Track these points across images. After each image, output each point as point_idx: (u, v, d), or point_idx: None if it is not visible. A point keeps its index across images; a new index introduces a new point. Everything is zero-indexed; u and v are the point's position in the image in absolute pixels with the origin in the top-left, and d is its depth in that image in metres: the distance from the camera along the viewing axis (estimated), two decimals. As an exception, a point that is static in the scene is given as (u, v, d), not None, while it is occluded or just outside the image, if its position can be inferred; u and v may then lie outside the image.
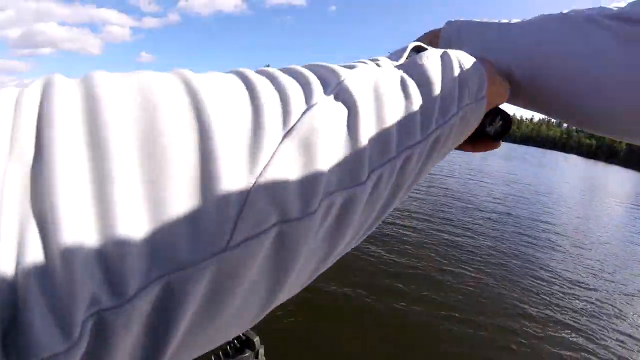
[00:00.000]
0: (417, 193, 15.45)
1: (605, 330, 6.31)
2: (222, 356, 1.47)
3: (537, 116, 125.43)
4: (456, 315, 5.81)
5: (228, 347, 1.48)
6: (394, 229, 9.82)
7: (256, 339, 1.46)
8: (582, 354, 5.25)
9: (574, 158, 68.96)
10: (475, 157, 35.36)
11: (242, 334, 1.46)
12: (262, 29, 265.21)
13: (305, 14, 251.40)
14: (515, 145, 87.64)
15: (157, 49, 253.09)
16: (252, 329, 1.53)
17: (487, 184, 20.25)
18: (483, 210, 13.73)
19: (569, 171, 41.71)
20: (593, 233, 13.25)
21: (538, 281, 8.07)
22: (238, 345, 1.47)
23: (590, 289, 7.59)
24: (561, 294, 7.22)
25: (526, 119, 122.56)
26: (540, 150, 78.98)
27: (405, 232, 9.76)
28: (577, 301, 6.98)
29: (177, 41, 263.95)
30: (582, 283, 8.17)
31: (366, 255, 7.95)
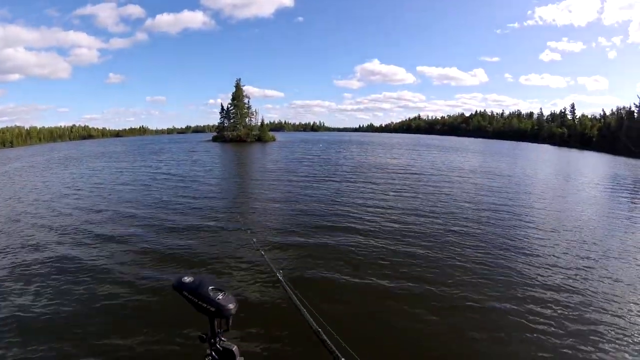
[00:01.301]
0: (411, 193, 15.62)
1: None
2: (201, 369, 1.42)
3: (507, 110, 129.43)
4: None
5: (206, 359, 1.43)
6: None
7: (234, 348, 1.41)
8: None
9: (546, 147, 71.37)
10: (456, 158, 36.39)
11: (220, 345, 1.42)
12: (230, 43, 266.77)
13: (272, 26, 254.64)
14: (491, 141, 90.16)
15: (126, 70, 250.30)
16: (230, 340, 1.48)
17: (471, 179, 21.00)
18: (473, 203, 14.19)
19: (545, 158, 43.73)
20: (575, 209, 13.96)
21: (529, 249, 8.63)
22: (217, 357, 1.42)
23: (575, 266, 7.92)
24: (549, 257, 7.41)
25: (497, 114, 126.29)
26: (514, 143, 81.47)
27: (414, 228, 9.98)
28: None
29: (147, 60, 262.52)
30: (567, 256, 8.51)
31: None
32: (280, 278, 2.85)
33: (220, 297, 1.35)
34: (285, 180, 20.36)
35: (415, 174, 23.39)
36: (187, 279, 1.39)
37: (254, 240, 5.39)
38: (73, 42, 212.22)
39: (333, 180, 20.31)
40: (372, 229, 10.50)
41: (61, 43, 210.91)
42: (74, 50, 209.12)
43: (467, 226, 10.86)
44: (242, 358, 1.53)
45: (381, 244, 9.21)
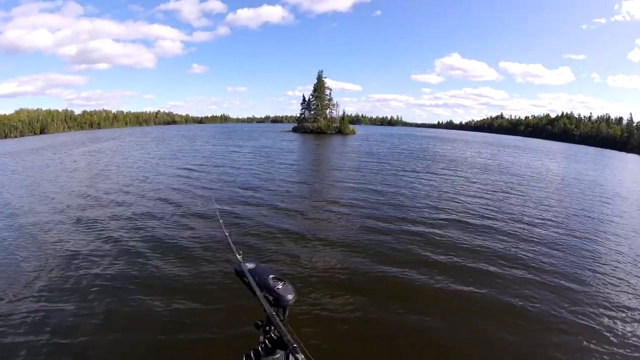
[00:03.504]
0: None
1: None
2: (252, 355, 1.44)
3: (596, 113, 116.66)
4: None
5: (259, 346, 1.44)
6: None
7: (287, 338, 1.41)
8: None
9: (634, 157, 63.58)
10: (538, 160, 33.76)
11: (274, 334, 1.42)
12: (309, 37, 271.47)
13: (350, 20, 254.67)
14: (575, 146, 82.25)
15: (209, 61, 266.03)
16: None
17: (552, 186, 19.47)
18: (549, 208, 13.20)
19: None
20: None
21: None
22: (270, 345, 1.43)
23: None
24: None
25: (584, 117, 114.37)
26: (599, 149, 73.68)
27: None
28: None
29: (228, 53, 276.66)
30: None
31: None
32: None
33: (280, 286, 1.36)
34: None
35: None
36: (250, 265, 1.41)
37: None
38: (157, 35, 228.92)
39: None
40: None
41: (146, 35, 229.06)
42: (158, 42, 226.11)
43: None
44: (296, 346, 1.53)
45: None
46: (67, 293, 6.30)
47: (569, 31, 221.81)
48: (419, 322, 5.72)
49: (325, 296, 6.36)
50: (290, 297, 1.35)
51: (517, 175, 23.25)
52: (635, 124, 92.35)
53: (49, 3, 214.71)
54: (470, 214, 12.32)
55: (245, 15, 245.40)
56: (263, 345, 1.44)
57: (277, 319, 1.41)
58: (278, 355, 1.46)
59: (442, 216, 11.84)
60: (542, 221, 11.99)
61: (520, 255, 8.64)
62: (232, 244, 1.86)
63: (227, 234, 2.16)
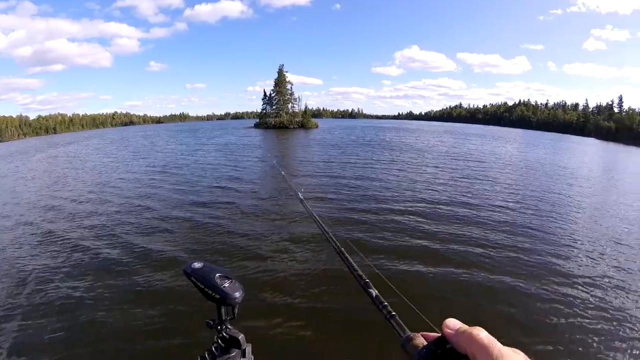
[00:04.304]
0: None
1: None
2: (207, 356, 1.41)
3: (552, 100, 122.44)
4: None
5: (213, 347, 1.42)
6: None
7: (241, 337, 1.39)
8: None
9: (593, 141, 67.32)
10: (504, 147, 35.19)
11: (226, 333, 1.40)
12: (268, 31, 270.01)
13: (309, 14, 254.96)
14: (532, 132, 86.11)
15: (167, 58, 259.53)
16: (236, 327, 1.46)
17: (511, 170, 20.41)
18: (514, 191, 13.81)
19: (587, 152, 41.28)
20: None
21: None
22: (223, 344, 1.41)
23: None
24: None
25: (541, 104, 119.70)
26: (559, 135, 77.46)
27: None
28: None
29: (186, 49, 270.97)
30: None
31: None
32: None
33: (226, 284, 1.33)
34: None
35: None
36: (197, 265, 1.37)
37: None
38: (114, 33, 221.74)
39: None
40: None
41: (103, 34, 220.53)
42: (115, 40, 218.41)
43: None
44: (250, 345, 1.51)
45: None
46: (17, 310, 6.02)
47: (526, 22, 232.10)
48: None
49: (277, 291, 6.45)
50: (237, 294, 1.32)
51: (483, 162, 24.25)
52: (591, 110, 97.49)
53: (2, 3, 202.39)
54: (439, 201, 12.75)
55: (203, 10, 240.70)
56: (216, 345, 1.42)
57: (227, 318, 1.39)
58: (234, 353, 1.43)
59: (415, 204, 12.20)
60: (514, 203, 12.72)
61: (495, 238, 9.12)
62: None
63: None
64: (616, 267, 7.67)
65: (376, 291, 1.06)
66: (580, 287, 6.70)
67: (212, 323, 1.42)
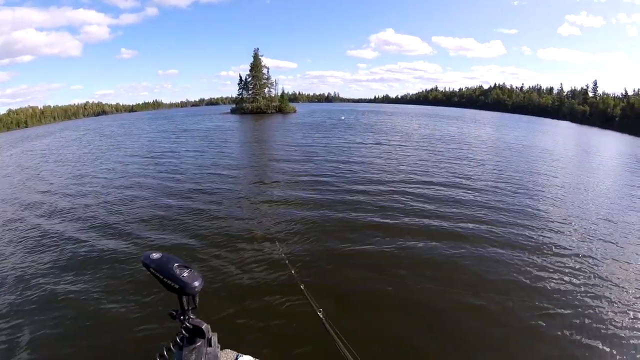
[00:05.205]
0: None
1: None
2: (172, 347, 1.39)
3: (527, 84, 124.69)
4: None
5: (177, 338, 1.40)
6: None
7: (205, 326, 1.37)
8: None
9: (567, 124, 69.26)
10: (471, 128, 35.73)
11: (189, 323, 1.38)
12: (241, 14, 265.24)
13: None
14: (508, 115, 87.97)
15: (138, 45, 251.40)
16: (201, 317, 1.45)
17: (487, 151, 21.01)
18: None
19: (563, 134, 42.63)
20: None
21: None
22: (187, 334, 1.39)
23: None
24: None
25: (516, 88, 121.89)
26: (534, 118, 79.36)
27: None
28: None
29: (157, 35, 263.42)
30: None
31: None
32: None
33: (185, 274, 1.31)
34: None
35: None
36: (155, 255, 1.34)
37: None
38: (83, 20, 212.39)
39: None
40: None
41: (71, 22, 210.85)
42: (84, 27, 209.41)
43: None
44: (215, 334, 1.49)
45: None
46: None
47: (501, 6, 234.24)
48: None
49: (240, 278, 6.48)
50: (196, 284, 1.31)
51: (465, 143, 24.79)
52: (565, 93, 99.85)
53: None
54: (429, 180, 13.18)
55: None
56: (181, 335, 1.40)
57: (189, 307, 1.37)
58: (199, 343, 1.43)
59: (404, 186, 12.56)
60: (496, 182, 13.27)
61: (481, 215, 9.67)
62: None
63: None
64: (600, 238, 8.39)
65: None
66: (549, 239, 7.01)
67: (175, 314, 1.41)
